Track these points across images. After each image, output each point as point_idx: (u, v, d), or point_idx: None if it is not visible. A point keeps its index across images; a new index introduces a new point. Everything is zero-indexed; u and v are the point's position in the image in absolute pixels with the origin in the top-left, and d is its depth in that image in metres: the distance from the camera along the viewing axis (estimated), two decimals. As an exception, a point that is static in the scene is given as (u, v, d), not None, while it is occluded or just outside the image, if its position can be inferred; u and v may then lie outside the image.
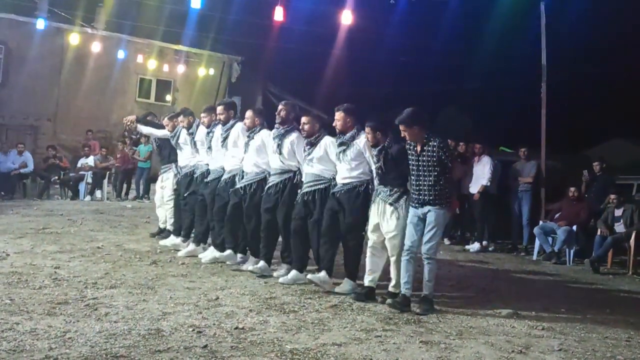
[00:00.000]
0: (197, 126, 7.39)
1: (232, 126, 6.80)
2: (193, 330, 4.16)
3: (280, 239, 6.37)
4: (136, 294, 5.10)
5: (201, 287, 5.48)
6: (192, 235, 7.31)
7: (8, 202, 11.89)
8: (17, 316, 4.24)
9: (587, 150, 19.49)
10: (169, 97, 20.33)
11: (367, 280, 5.52)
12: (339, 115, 5.71)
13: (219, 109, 6.96)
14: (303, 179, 6.04)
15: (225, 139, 6.79)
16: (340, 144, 5.67)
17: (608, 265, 8.72)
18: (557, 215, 9.44)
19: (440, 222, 5.16)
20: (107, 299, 4.88)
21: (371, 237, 5.52)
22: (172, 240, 7.59)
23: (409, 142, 5.30)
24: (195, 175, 7.33)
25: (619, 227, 8.70)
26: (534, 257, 9.25)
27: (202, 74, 20.27)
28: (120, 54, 17.72)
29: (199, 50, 20.35)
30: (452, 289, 6.29)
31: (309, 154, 5.92)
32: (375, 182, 5.52)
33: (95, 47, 16.66)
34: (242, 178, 6.54)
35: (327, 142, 5.85)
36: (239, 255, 6.67)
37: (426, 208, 5.15)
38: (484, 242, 9.68)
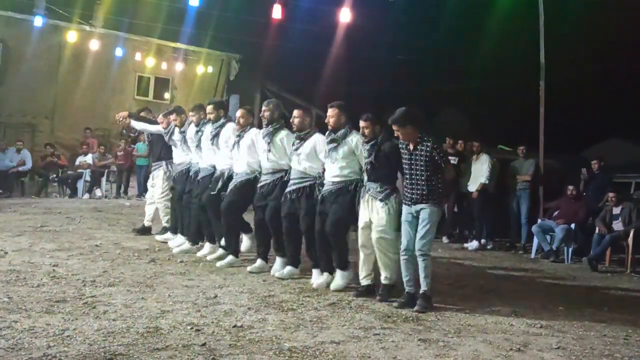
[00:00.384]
0: (189, 124, 7.39)
1: (222, 125, 6.80)
2: (191, 328, 4.16)
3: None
4: (134, 292, 5.09)
5: (200, 285, 5.48)
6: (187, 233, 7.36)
7: (6, 200, 11.85)
8: (15, 314, 4.24)
9: (585, 149, 19.54)
10: (167, 95, 20.30)
11: (364, 281, 5.52)
12: (332, 112, 5.69)
13: (209, 108, 6.95)
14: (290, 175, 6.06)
15: (214, 136, 6.79)
16: (331, 140, 5.64)
17: (606, 263, 8.74)
18: (555, 214, 9.45)
19: (434, 219, 5.17)
20: (105, 297, 4.87)
21: (362, 235, 5.51)
22: (167, 237, 7.63)
23: (401, 141, 5.29)
24: (190, 174, 7.33)
25: (617, 226, 8.71)
26: (532, 256, 9.27)
27: (200, 72, 20.24)
28: (118, 52, 17.69)
29: (197, 48, 20.31)
30: (450, 287, 6.29)
31: (296, 149, 5.91)
32: (364, 178, 5.52)
33: (93, 44, 16.62)
34: (234, 177, 6.54)
35: (317, 140, 5.86)
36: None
37: (419, 206, 5.16)
38: (483, 240, 9.70)
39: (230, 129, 6.71)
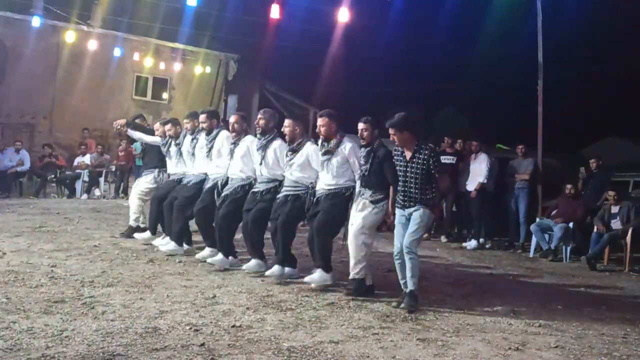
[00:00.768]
0: (184, 136, 7.40)
1: (216, 136, 6.81)
2: (190, 328, 4.15)
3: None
4: (133, 292, 5.09)
5: (198, 285, 5.48)
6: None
7: (4, 200, 11.84)
8: (14, 315, 4.23)
9: (583, 148, 19.57)
10: (165, 95, 20.28)
11: (353, 273, 5.51)
12: (322, 121, 5.68)
13: (202, 117, 6.95)
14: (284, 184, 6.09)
15: (210, 150, 6.80)
16: (325, 152, 5.66)
17: (604, 262, 8.75)
18: (553, 213, 9.46)
19: (425, 221, 5.16)
20: (104, 297, 4.87)
21: (350, 231, 5.50)
22: (145, 235, 7.64)
23: (397, 146, 5.28)
24: (182, 182, 7.30)
25: (616, 224, 8.72)
26: (531, 254, 9.27)
27: (198, 72, 20.22)
28: (117, 52, 17.64)
29: (195, 48, 20.28)
30: (448, 286, 6.29)
31: (290, 160, 5.94)
32: (358, 184, 5.53)
33: (92, 44, 16.58)
34: (226, 184, 6.54)
35: (310, 150, 5.88)
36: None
37: (412, 208, 5.16)
38: (481, 240, 9.70)
39: (223, 137, 6.73)
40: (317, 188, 5.79)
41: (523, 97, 14.23)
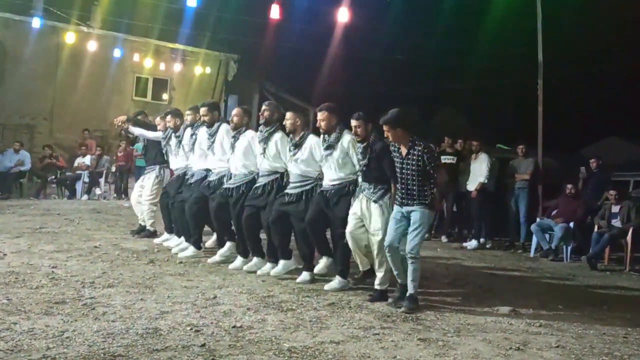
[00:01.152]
0: (185, 129, 7.39)
1: (217, 129, 6.81)
2: (191, 329, 4.15)
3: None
4: (134, 293, 5.09)
5: (199, 286, 5.47)
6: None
7: (5, 201, 11.84)
8: (15, 316, 4.23)
9: (583, 148, 19.56)
10: (165, 96, 20.29)
11: (362, 265, 5.62)
12: (322, 115, 5.69)
13: (203, 110, 6.94)
14: (289, 178, 6.08)
15: (211, 143, 6.81)
16: (327, 147, 5.67)
17: (605, 261, 8.75)
18: (554, 212, 9.46)
19: (425, 222, 5.13)
20: (104, 298, 4.87)
21: (349, 223, 5.50)
22: (165, 237, 7.65)
23: (392, 143, 5.27)
24: (186, 177, 7.31)
25: (616, 224, 8.72)
26: (531, 254, 9.27)
27: (198, 73, 20.23)
28: (117, 53, 17.67)
29: (195, 49, 20.30)
30: (449, 286, 6.29)
31: (294, 154, 5.94)
32: (359, 179, 5.54)
33: (91, 45, 16.61)
34: (230, 179, 6.54)
35: (312, 144, 5.87)
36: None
37: (411, 207, 5.14)
38: (482, 240, 9.70)
39: (223, 131, 6.73)
40: (323, 183, 5.79)
41: (523, 96, 14.22)
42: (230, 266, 6.39)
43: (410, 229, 5.11)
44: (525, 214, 9.88)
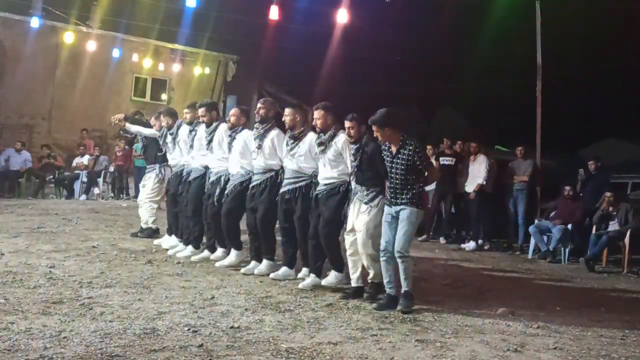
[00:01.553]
0: (179, 127, 7.39)
1: (215, 128, 6.81)
2: (188, 329, 4.15)
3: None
4: (131, 293, 5.09)
5: (197, 286, 5.47)
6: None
7: (3, 201, 11.82)
8: (12, 316, 4.23)
9: (582, 150, 19.58)
10: (164, 96, 20.28)
11: (353, 281, 5.53)
12: (318, 114, 5.68)
13: (201, 110, 6.93)
14: (284, 175, 6.06)
15: (210, 142, 6.80)
16: (320, 144, 5.66)
17: (603, 263, 8.75)
18: (552, 214, 9.46)
19: (413, 220, 5.12)
20: (102, 298, 4.86)
21: (347, 238, 5.52)
22: (167, 239, 7.62)
23: (383, 142, 5.27)
24: (183, 174, 7.31)
25: (614, 226, 8.72)
26: (530, 256, 9.27)
27: (197, 73, 20.22)
28: (116, 53, 17.65)
29: (194, 49, 20.29)
30: (447, 287, 6.30)
31: (291, 149, 5.91)
32: (352, 181, 5.52)
33: (91, 45, 16.59)
34: (229, 181, 6.55)
35: (312, 139, 5.85)
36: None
37: (399, 207, 5.13)
38: (480, 241, 9.70)
39: (222, 130, 6.73)
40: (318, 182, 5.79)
41: (522, 98, 14.23)
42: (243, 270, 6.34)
43: (399, 227, 5.10)
44: (523, 216, 9.89)
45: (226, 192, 6.50)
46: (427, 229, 10.27)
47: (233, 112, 6.61)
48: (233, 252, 6.54)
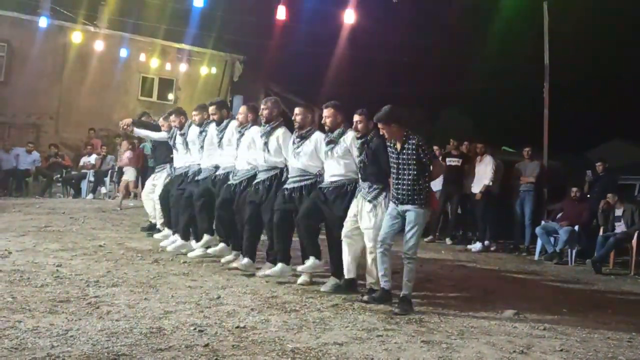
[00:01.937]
0: (189, 126, 7.41)
1: (226, 126, 6.84)
2: (194, 329, 4.15)
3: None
4: (138, 292, 5.10)
5: (203, 286, 5.48)
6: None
7: (10, 200, 11.88)
8: (19, 314, 4.24)
9: (589, 151, 19.50)
10: (171, 96, 20.33)
11: (346, 272, 5.53)
12: (328, 112, 5.69)
13: (211, 109, 6.96)
14: (289, 173, 6.05)
15: (221, 139, 6.83)
16: (328, 142, 5.67)
17: (610, 265, 8.72)
18: (559, 216, 9.43)
19: (420, 222, 5.11)
20: (108, 297, 4.88)
21: (345, 226, 5.49)
22: (165, 233, 7.69)
23: (388, 140, 5.26)
24: (188, 175, 7.33)
25: (620, 227, 8.69)
26: (536, 257, 9.25)
27: (204, 73, 20.26)
28: (123, 53, 17.71)
29: (201, 49, 20.33)
30: (453, 288, 6.28)
31: (297, 147, 5.91)
32: (358, 177, 5.53)
33: (98, 45, 16.65)
34: (235, 175, 6.56)
35: (319, 138, 5.85)
36: (234, 252, 6.65)
37: (406, 207, 5.11)
38: (486, 242, 9.69)
39: (232, 127, 6.76)
40: (323, 180, 5.79)
41: (529, 99, 14.20)
42: (223, 260, 6.44)
43: (406, 229, 5.10)
44: (530, 217, 9.86)
45: (232, 184, 6.49)
46: (434, 230, 10.26)
47: (241, 110, 6.66)
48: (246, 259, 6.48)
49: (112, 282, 5.39)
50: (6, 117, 17.18)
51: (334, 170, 5.65)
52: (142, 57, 18.78)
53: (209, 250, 6.72)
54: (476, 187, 9.77)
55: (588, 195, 9.83)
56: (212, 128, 6.99)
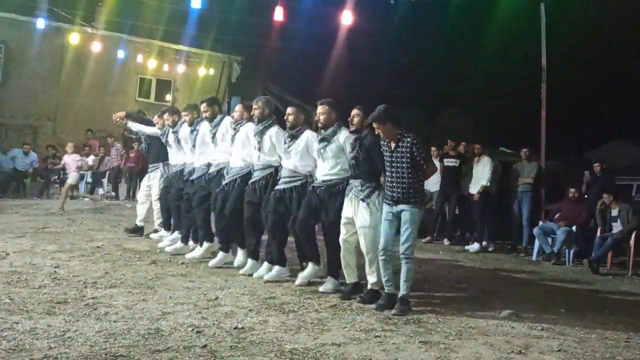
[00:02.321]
0: (181, 124, 7.40)
1: (220, 121, 6.83)
2: (192, 330, 4.15)
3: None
4: (136, 293, 5.10)
5: (201, 287, 5.48)
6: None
7: (8, 201, 11.86)
8: (17, 315, 4.24)
9: (587, 151, 19.52)
10: (169, 97, 20.33)
11: (347, 277, 5.54)
12: (322, 109, 5.68)
13: (203, 106, 6.95)
14: (281, 174, 6.06)
15: (214, 135, 6.81)
16: (321, 140, 5.65)
17: (608, 266, 8.73)
18: (556, 216, 9.44)
19: (415, 221, 5.11)
20: (106, 298, 4.87)
21: (342, 231, 5.48)
22: (162, 233, 7.72)
23: (383, 139, 5.26)
24: (184, 173, 7.33)
25: (617, 227, 8.70)
26: (534, 258, 9.26)
27: (202, 74, 20.26)
28: (120, 54, 17.72)
29: (199, 50, 20.34)
30: (451, 289, 6.28)
31: (288, 146, 5.91)
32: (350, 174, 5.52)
33: (95, 46, 16.65)
34: (228, 173, 6.55)
35: (309, 137, 5.85)
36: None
37: (400, 207, 5.11)
38: (484, 243, 9.69)
39: (227, 123, 6.75)
40: (316, 177, 5.79)
41: (527, 100, 14.22)
42: (211, 263, 6.45)
43: (402, 229, 5.09)
44: (528, 217, 9.88)
45: (225, 184, 6.48)
46: (431, 230, 10.26)
47: (237, 109, 6.66)
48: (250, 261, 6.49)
49: (110, 284, 5.39)
50: (4, 118, 17.19)
51: (326, 169, 5.64)
52: (140, 58, 18.79)
53: (210, 264, 6.67)
54: (474, 188, 9.78)
55: (586, 196, 9.84)
56: (204, 126, 6.98)
